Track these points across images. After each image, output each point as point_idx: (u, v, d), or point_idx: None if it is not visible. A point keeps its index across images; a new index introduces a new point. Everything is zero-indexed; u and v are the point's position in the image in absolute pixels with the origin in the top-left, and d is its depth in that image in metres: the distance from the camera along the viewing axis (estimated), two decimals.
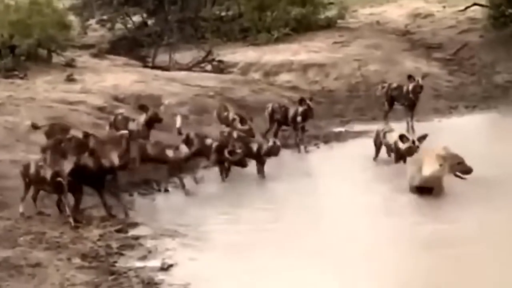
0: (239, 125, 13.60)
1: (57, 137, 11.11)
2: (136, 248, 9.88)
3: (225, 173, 12.65)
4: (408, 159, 12.15)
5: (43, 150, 11.07)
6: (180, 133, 12.52)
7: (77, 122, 13.97)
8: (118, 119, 13.53)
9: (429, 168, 11.32)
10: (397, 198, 11.53)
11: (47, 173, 10.34)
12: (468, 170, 11.41)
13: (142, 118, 13.20)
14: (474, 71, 19.32)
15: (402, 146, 12.67)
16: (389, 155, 13.19)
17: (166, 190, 12.14)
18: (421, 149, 12.21)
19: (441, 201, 11.39)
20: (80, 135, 11.07)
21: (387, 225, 10.59)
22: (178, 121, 12.79)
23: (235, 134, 13.00)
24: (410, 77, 15.55)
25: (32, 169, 10.48)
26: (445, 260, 9.14)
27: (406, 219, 10.78)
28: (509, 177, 11.48)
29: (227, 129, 13.26)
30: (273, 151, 12.85)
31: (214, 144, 12.52)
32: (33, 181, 10.50)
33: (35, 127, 12.79)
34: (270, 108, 14.63)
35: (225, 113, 14.06)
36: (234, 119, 13.76)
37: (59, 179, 10.22)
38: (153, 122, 13.18)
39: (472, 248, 9.46)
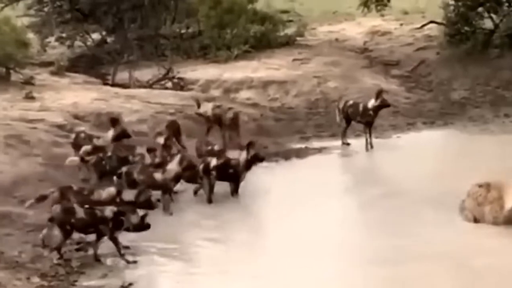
0: None
1: None
2: (97, 267, 9.85)
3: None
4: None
5: None
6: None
7: (36, 140, 13.91)
8: (80, 137, 13.50)
9: None
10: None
11: None
12: None
13: (110, 134, 13.22)
14: (431, 87, 19.55)
15: None
16: None
17: None
18: None
19: None
20: None
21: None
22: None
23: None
24: (380, 93, 15.57)
25: None
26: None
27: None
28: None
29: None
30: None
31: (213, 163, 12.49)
32: None
33: None
34: None
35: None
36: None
37: None
38: (121, 138, 13.17)
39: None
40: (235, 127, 15.46)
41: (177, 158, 12.18)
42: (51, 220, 10.10)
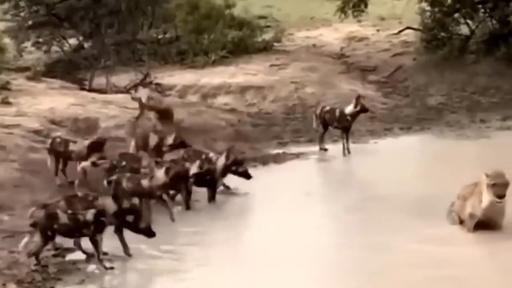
0: None
1: None
2: (74, 273, 9.80)
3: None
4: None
5: None
6: None
7: (12, 146, 13.82)
8: (56, 142, 13.45)
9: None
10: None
11: None
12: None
13: (87, 140, 13.23)
14: (408, 93, 19.66)
15: None
16: None
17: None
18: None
19: None
20: None
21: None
22: None
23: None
24: (358, 98, 15.65)
25: None
26: None
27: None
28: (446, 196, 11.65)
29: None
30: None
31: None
32: None
33: None
34: None
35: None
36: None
37: None
38: (95, 145, 13.15)
39: None
40: (169, 117, 15.87)
41: (165, 166, 12.09)
42: (33, 225, 10.02)
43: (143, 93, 16.36)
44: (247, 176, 13.08)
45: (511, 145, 15.39)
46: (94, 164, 12.50)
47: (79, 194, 11.23)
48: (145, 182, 11.86)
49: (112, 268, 9.97)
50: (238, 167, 12.99)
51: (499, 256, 10.08)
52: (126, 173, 12.12)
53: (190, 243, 10.93)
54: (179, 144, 13.83)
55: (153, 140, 13.96)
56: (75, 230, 10.03)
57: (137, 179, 11.95)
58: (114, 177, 11.91)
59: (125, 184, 11.81)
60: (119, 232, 10.32)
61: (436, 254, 10.09)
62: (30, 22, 21.80)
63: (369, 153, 15.54)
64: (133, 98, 16.34)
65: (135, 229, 10.30)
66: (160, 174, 11.97)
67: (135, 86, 19.69)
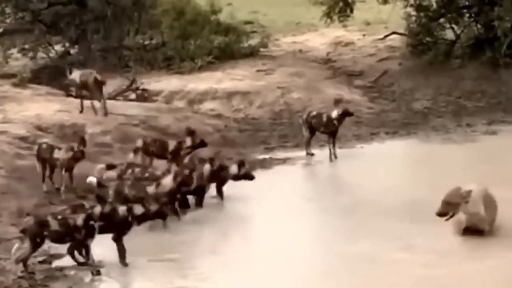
0: None
1: None
2: (61, 280, 9.77)
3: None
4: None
5: None
6: None
7: None
8: (43, 148, 13.43)
9: None
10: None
11: None
12: None
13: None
14: (394, 98, 19.72)
15: None
16: None
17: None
18: None
19: None
20: None
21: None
22: None
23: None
24: (337, 102, 15.72)
25: None
26: None
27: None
28: (433, 201, 11.70)
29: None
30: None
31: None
32: None
33: None
34: None
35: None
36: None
37: None
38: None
39: None
40: (99, 90, 16.36)
41: (172, 172, 12.02)
42: (23, 231, 10.00)
43: (76, 75, 16.77)
44: (250, 177, 13.08)
45: (497, 149, 15.50)
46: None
47: (86, 204, 11.02)
48: (151, 189, 11.74)
49: (99, 273, 9.95)
50: (240, 170, 12.99)
51: (490, 264, 10.10)
52: (128, 181, 11.99)
53: (178, 251, 10.91)
54: (199, 144, 13.97)
55: (171, 144, 14.07)
56: (66, 235, 10.01)
57: (142, 186, 11.82)
58: (113, 186, 11.70)
59: (127, 191, 11.67)
60: (118, 240, 10.27)
61: (421, 258, 10.15)
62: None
63: (356, 158, 15.58)
64: (70, 81, 17.08)
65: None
66: (167, 181, 11.92)
67: (122, 93, 19.69)
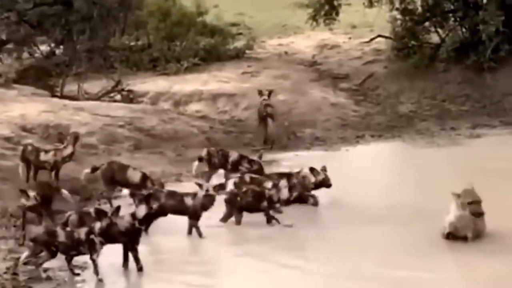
0: None
1: None
2: (45, 281, 9.75)
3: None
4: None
5: None
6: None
7: None
8: (28, 150, 13.38)
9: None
10: None
11: None
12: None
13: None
14: (379, 101, 19.78)
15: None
16: None
17: None
18: None
19: None
20: None
21: None
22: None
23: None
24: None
25: None
26: None
27: None
28: (417, 203, 11.76)
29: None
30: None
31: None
32: None
33: None
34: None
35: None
36: None
37: None
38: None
39: None
40: None
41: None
42: (33, 240, 9.93)
43: None
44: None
45: (482, 153, 15.58)
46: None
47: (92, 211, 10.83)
48: (188, 200, 11.59)
49: (78, 274, 9.92)
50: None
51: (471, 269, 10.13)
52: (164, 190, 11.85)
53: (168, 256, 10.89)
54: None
55: (233, 155, 14.01)
56: (72, 248, 9.91)
57: (179, 195, 11.65)
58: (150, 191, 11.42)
59: (163, 200, 11.48)
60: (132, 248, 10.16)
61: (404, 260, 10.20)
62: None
63: (341, 161, 15.62)
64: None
65: None
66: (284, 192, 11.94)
67: (107, 94, 19.67)
